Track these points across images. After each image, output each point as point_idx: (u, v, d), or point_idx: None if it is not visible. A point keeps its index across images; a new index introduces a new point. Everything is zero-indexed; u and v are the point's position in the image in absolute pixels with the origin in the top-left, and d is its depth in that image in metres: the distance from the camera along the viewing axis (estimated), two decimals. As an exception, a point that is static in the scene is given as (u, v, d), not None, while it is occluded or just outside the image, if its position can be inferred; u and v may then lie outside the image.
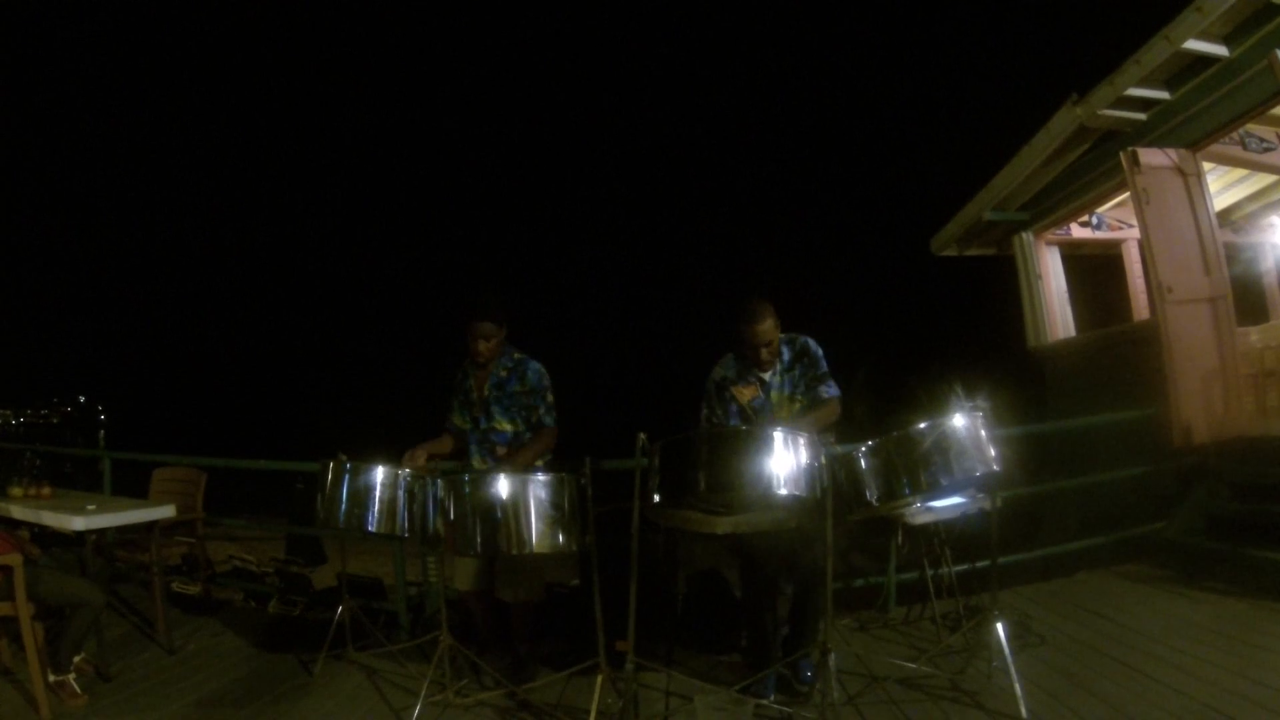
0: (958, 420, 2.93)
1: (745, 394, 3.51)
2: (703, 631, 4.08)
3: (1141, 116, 6.42)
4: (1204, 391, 5.53)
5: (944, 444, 2.88)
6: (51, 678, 3.51)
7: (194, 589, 5.44)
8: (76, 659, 3.63)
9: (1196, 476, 5.30)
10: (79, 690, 3.54)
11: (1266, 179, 7.32)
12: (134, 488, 5.82)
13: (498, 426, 3.75)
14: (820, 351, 3.56)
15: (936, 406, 3.12)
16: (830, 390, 3.51)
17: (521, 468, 3.43)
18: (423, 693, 3.32)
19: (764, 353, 3.43)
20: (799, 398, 3.51)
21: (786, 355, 3.54)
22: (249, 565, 7.49)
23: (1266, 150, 6.35)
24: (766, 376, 3.51)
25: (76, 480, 5.96)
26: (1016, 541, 5.15)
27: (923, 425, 2.93)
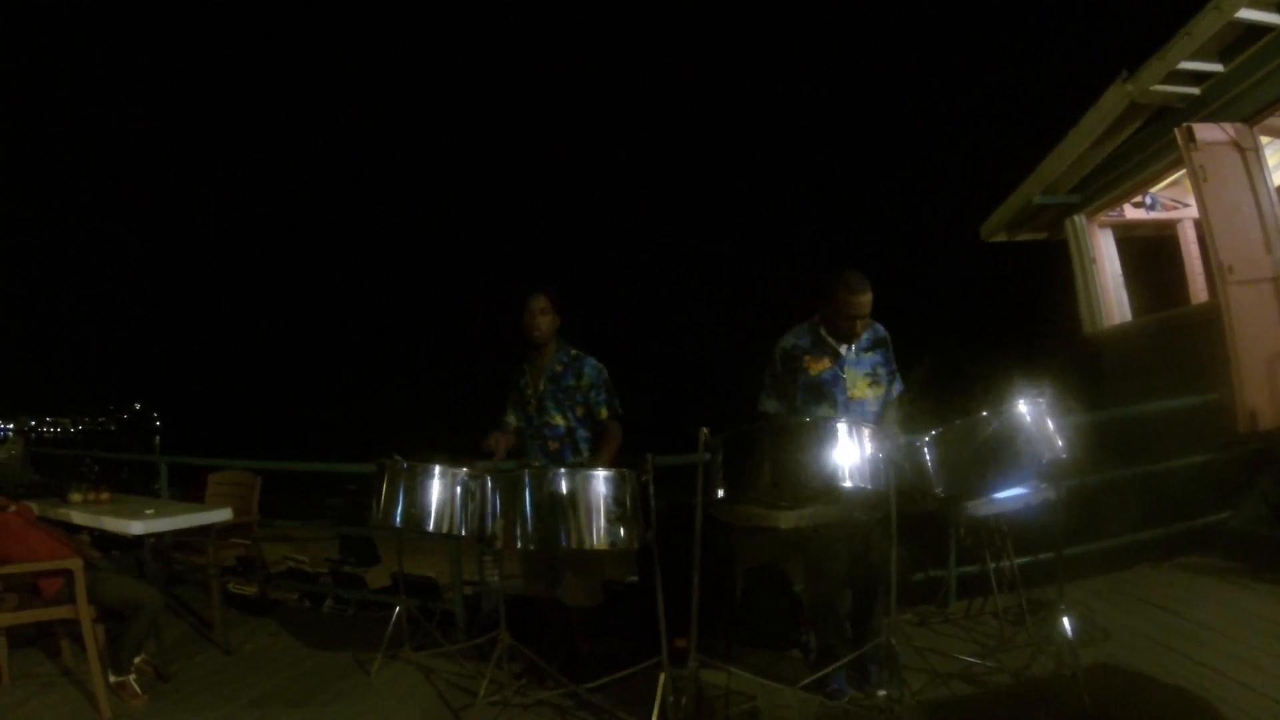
0: (1022, 408, 2.85)
1: (817, 365, 3.43)
2: (761, 628, 4.03)
3: (1195, 91, 6.19)
4: (1269, 375, 5.33)
5: (1009, 433, 2.82)
6: (112, 678, 3.56)
7: (250, 590, 5.51)
8: (136, 660, 3.68)
9: (1262, 464, 5.11)
10: (139, 690, 3.58)
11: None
12: (189, 491, 5.92)
13: (550, 421, 3.74)
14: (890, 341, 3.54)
15: (995, 395, 3.03)
16: (900, 386, 3.52)
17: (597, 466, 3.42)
18: (482, 692, 3.33)
19: (859, 324, 3.37)
20: (877, 383, 3.46)
21: (866, 338, 3.48)
22: (302, 566, 7.61)
23: (1326, 122, 6.13)
24: (842, 351, 3.44)
25: (133, 485, 6.08)
26: (1075, 533, 5.02)
27: (987, 414, 2.86)
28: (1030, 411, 2.86)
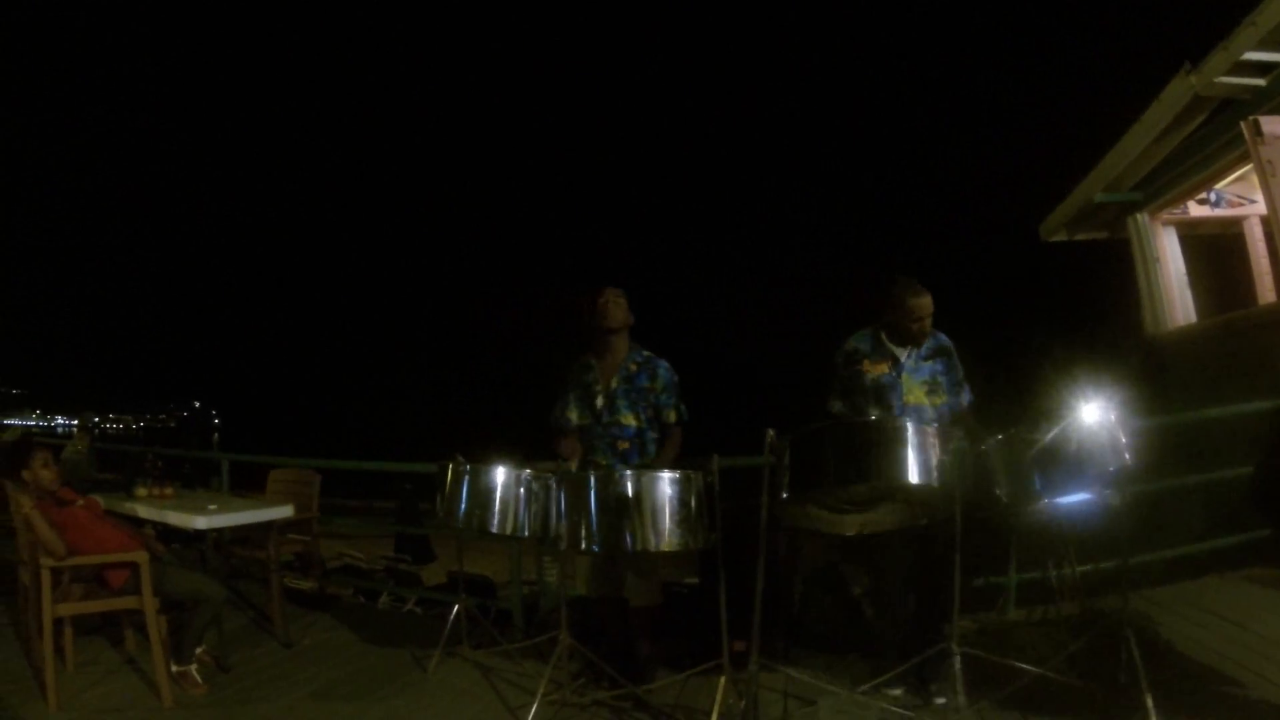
0: (1089, 412, 2.78)
1: (876, 369, 3.48)
2: (819, 631, 4.00)
3: (1261, 82, 5.97)
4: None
5: (1075, 438, 2.75)
6: (174, 668, 3.65)
7: (306, 584, 5.61)
8: (198, 650, 3.77)
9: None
10: (200, 680, 3.67)
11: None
12: (247, 487, 6.06)
13: (622, 420, 3.72)
14: (955, 352, 3.54)
15: (1059, 398, 2.97)
16: (966, 397, 3.51)
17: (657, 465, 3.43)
18: (540, 691, 3.33)
19: (919, 326, 3.40)
20: (938, 392, 3.46)
21: (927, 346, 3.50)
22: (358, 562, 7.74)
23: (1394, 111, 5.88)
24: (901, 356, 3.47)
25: (192, 481, 6.23)
26: (1137, 542, 4.89)
27: (1053, 418, 2.80)
28: (1097, 417, 2.80)
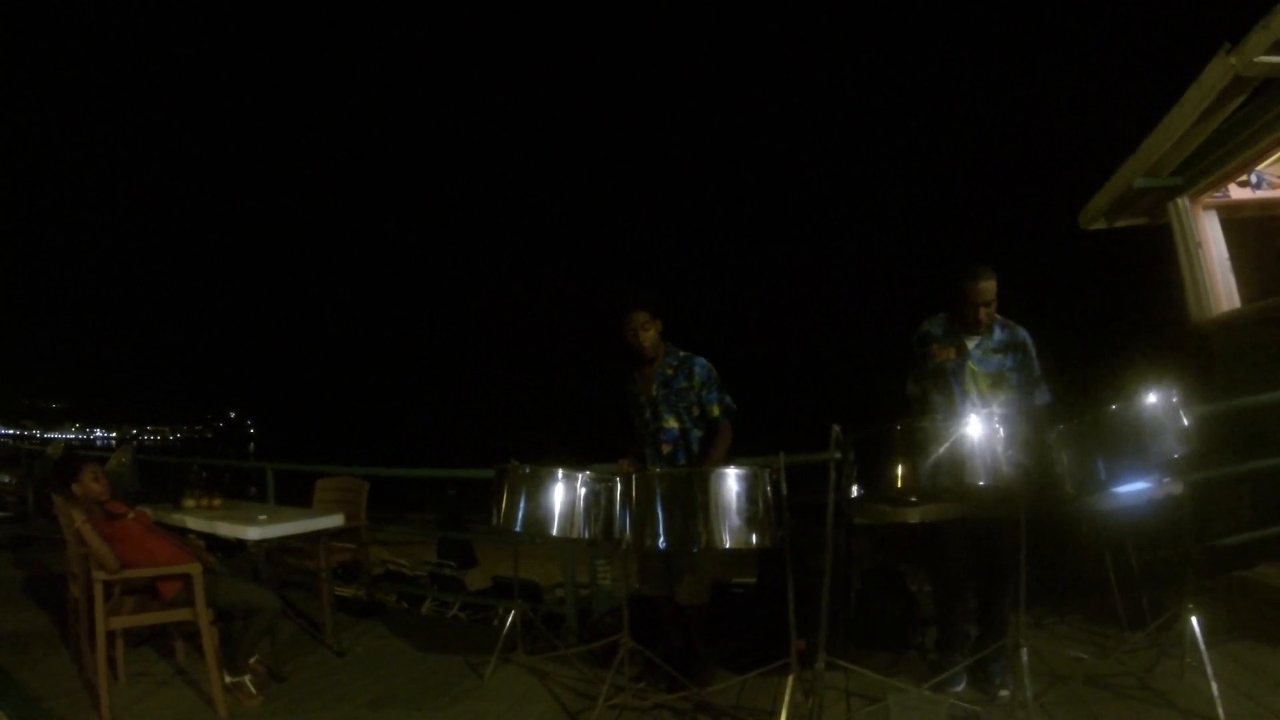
0: (1151, 399, 2.74)
1: (943, 353, 3.46)
2: (877, 628, 3.98)
3: (1302, 59, 5.87)
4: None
5: (1140, 424, 2.72)
6: (228, 679, 3.66)
7: (354, 592, 5.64)
8: (250, 660, 3.78)
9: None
10: (254, 690, 3.68)
11: None
12: (288, 496, 6.11)
13: (665, 425, 3.73)
14: (1035, 352, 3.47)
15: (1119, 386, 2.93)
16: (1042, 397, 3.44)
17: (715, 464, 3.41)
18: (603, 695, 3.33)
19: (981, 312, 3.36)
20: (1008, 388, 3.41)
21: (999, 335, 3.45)
22: (402, 569, 7.79)
23: None
24: (970, 345, 3.43)
25: (234, 491, 6.31)
26: (1191, 530, 4.80)
27: (1116, 407, 2.76)
28: (1159, 404, 2.76)
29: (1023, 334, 3.48)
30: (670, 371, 3.76)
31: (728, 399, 3.74)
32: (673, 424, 3.73)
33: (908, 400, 3.59)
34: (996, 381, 3.41)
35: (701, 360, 3.76)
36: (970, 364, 3.41)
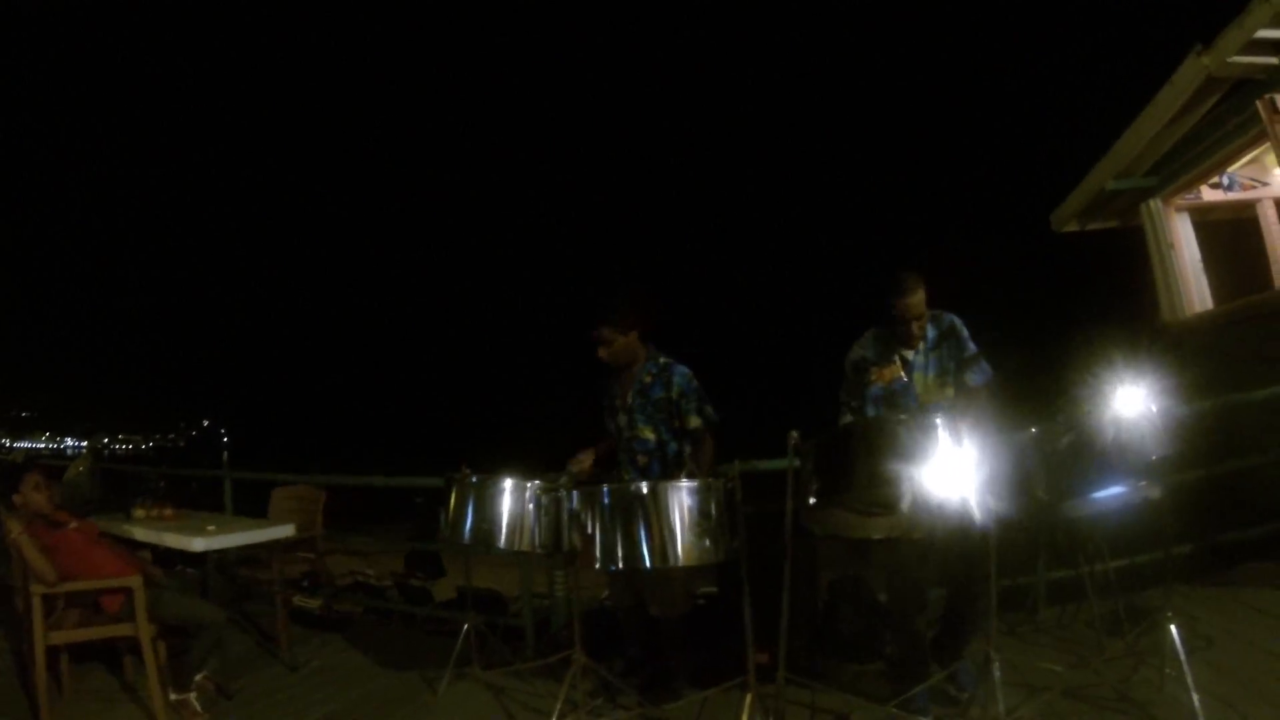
0: (1128, 399, 2.65)
1: (886, 374, 3.29)
2: (846, 639, 3.84)
3: (1274, 60, 5.82)
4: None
5: (1116, 428, 2.63)
6: (173, 696, 3.56)
7: (316, 604, 5.50)
8: (198, 677, 3.65)
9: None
10: (199, 709, 3.57)
11: None
12: (257, 507, 5.94)
13: (640, 434, 3.60)
14: (966, 330, 3.31)
15: (1093, 389, 2.83)
16: (981, 376, 3.27)
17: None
18: (555, 713, 3.21)
19: (914, 327, 3.21)
20: (948, 381, 3.27)
21: (932, 333, 3.30)
22: (368, 579, 7.59)
23: None
24: (910, 356, 3.29)
25: (202, 501, 6.14)
26: (1161, 534, 4.75)
27: (1090, 409, 2.66)
28: (1135, 405, 2.66)
29: (949, 318, 3.34)
30: (648, 379, 3.62)
31: (709, 409, 3.59)
32: (649, 434, 3.59)
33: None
34: (943, 379, 3.28)
35: (682, 369, 3.61)
36: (918, 374, 3.27)
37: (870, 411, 3.28)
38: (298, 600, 5.55)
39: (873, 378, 3.30)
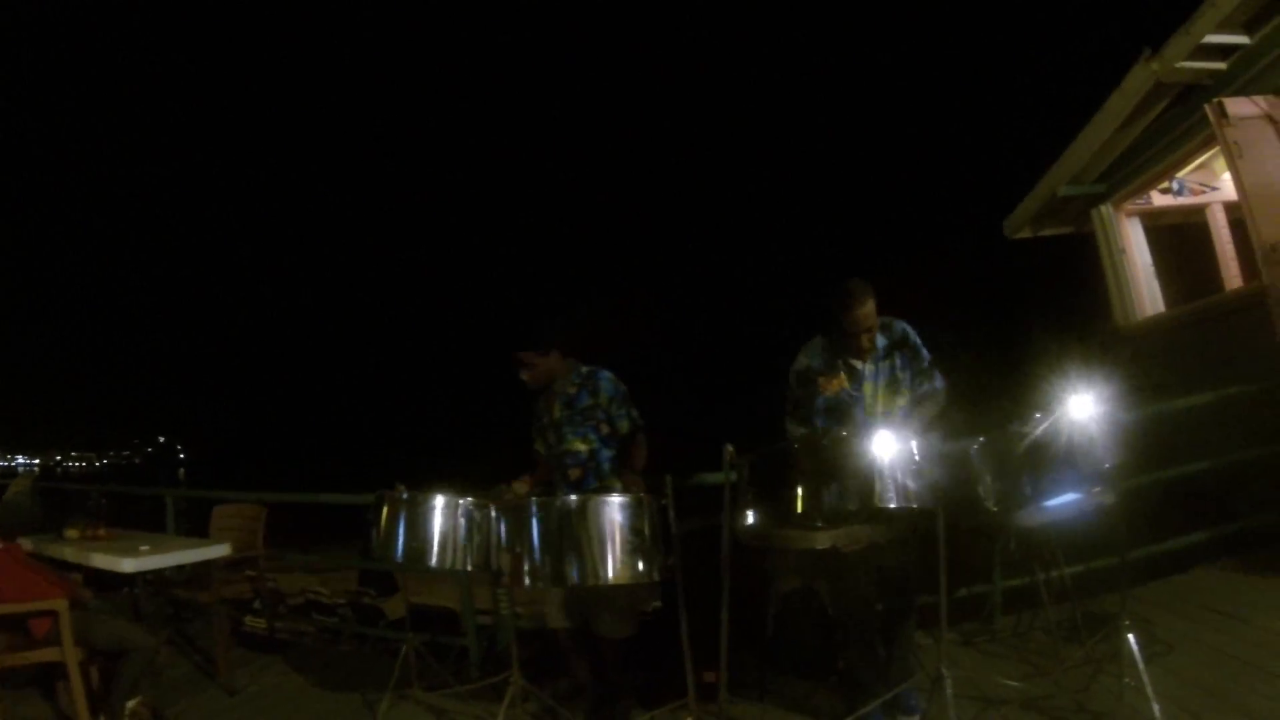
0: (1080, 407, 2.59)
1: (833, 385, 3.16)
2: (797, 655, 3.74)
3: (1221, 66, 5.93)
4: (1322, 358, 5.03)
5: (1068, 435, 2.57)
6: None
7: (262, 625, 5.32)
8: (131, 703, 3.51)
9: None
10: (132, 736, 3.41)
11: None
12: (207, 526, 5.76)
13: (570, 448, 3.47)
14: (919, 339, 3.22)
15: (1044, 395, 2.78)
16: (934, 385, 3.19)
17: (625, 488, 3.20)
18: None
19: (864, 339, 3.08)
20: (902, 390, 3.17)
21: (882, 342, 3.18)
22: (321, 597, 7.39)
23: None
24: (859, 365, 3.16)
25: (151, 520, 5.96)
26: (1115, 539, 4.75)
27: (1041, 415, 2.60)
28: (1087, 411, 2.61)
29: (900, 326, 3.23)
30: (572, 390, 3.51)
31: (635, 413, 3.51)
32: (579, 446, 3.47)
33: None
34: (893, 390, 3.17)
35: (606, 374, 3.53)
36: (868, 384, 3.16)
37: (819, 423, 3.17)
38: (249, 621, 5.39)
39: (819, 388, 3.19)
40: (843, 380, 3.16)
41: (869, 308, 3.04)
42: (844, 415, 3.14)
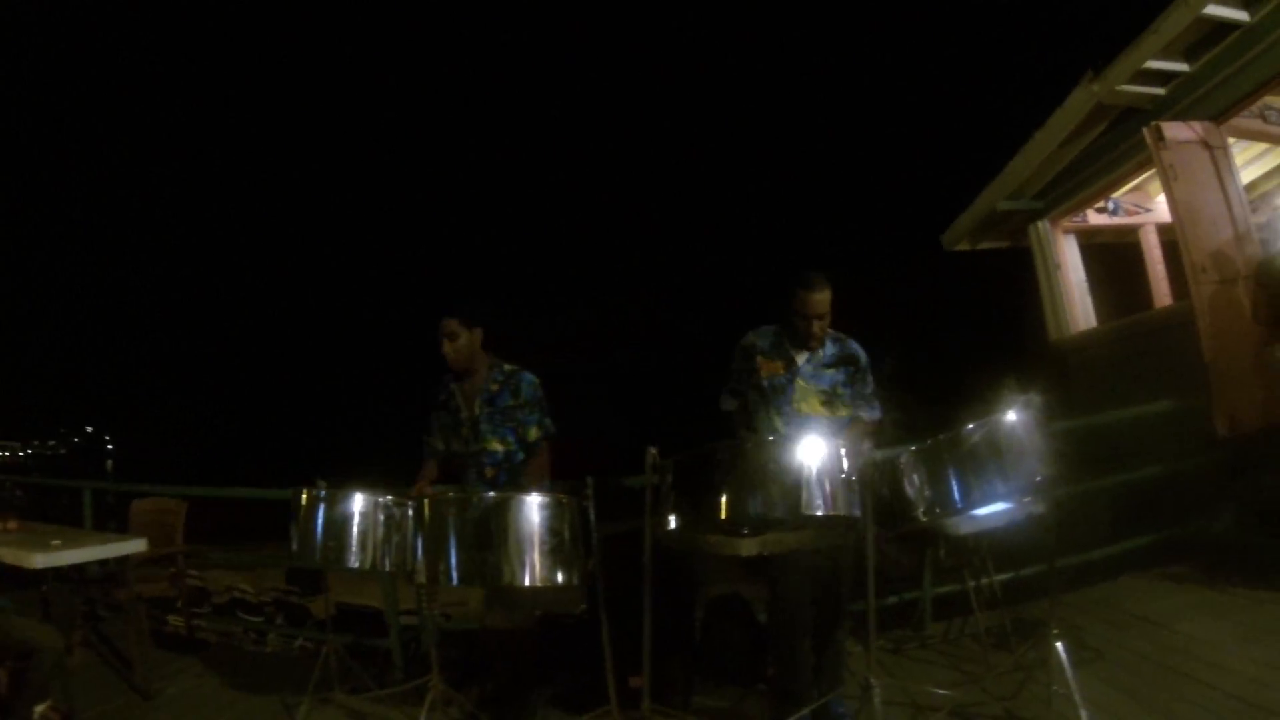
0: (1012, 417, 2.60)
1: (769, 368, 3.19)
2: (724, 661, 3.70)
3: (1160, 91, 6.12)
4: (1245, 376, 5.19)
5: (999, 445, 2.56)
6: None
7: (181, 624, 5.13)
8: (40, 708, 3.29)
9: (1241, 469, 4.95)
10: (42, 741, 3.22)
11: (1284, 154, 7.04)
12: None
13: (487, 447, 3.39)
14: (869, 366, 3.26)
15: (976, 405, 2.80)
16: (871, 413, 3.23)
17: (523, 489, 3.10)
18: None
19: (815, 325, 3.11)
20: (839, 406, 3.18)
21: (831, 349, 3.22)
22: (246, 596, 7.18)
23: (1289, 123, 6.11)
24: (800, 360, 3.18)
25: (72, 514, 5.71)
26: (1045, 547, 4.84)
27: (973, 425, 2.60)
28: (1020, 422, 2.62)
29: (855, 347, 3.27)
30: (495, 387, 3.44)
31: (547, 421, 3.46)
32: (497, 446, 3.40)
33: (725, 416, 3.34)
34: (829, 400, 3.19)
35: (529, 376, 3.47)
36: (800, 380, 3.17)
37: (751, 398, 3.21)
38: (172, 620, 5.19)
39: (759, 366, 3.21)
40: (779, 367, 3.18)
41: (825, 295, 3.10)
42: (770, 401, 3.17)
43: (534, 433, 3.41)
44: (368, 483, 3.22)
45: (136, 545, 4.02)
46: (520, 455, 3.41)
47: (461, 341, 3.39)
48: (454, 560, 2.71)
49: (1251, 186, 7.48)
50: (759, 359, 3.22)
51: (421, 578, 2.85)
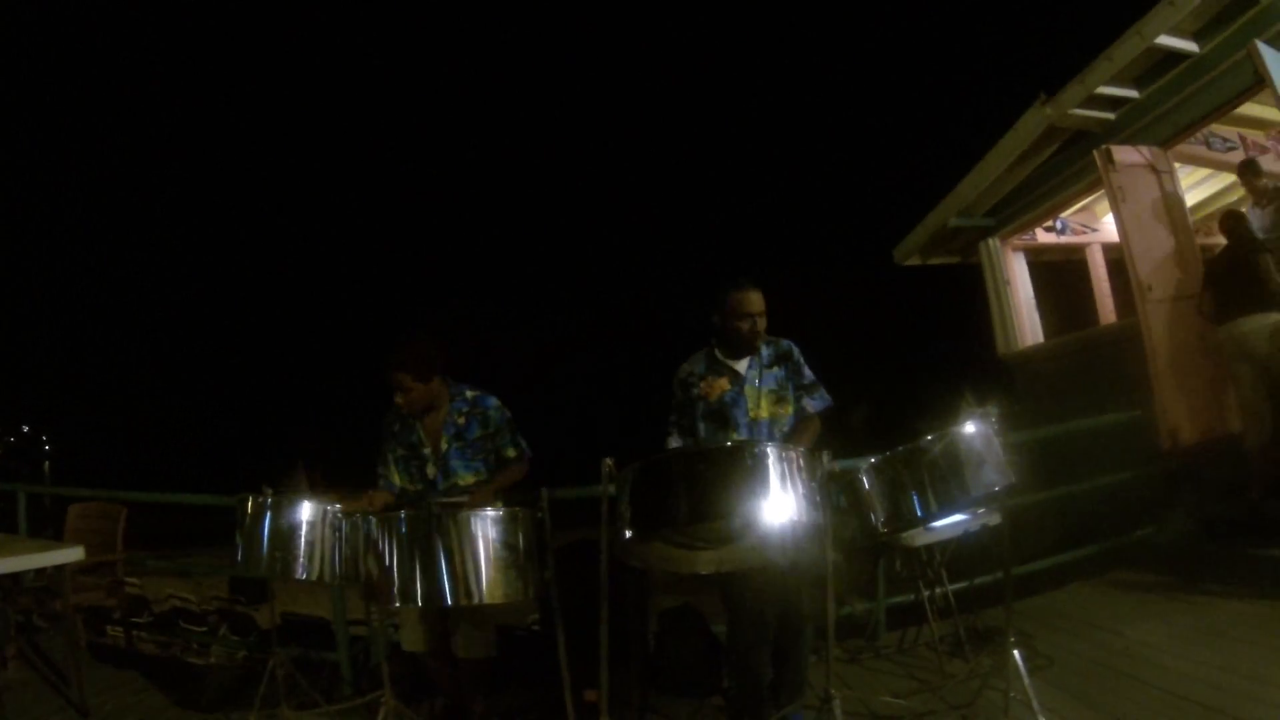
0: (971, 429, 2.62)
1: (716, 387, 3.12)
2: (680, 673, 3.68)
3: (1110, 116, 6.33)
4: (1188, 391, 5.36)
5: (958, 456, 2.58)
6: None
7: (121, 635, 4.96)
8: None
9: (1185, 478, 5.11)
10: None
11: (1227, 179, 7.30)
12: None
13: (459, 483, 3.24)
14: (803, 358, 3.23)
15: (935, 418, 2.82)
16: (818, 403, 3.20)
17: (479, 502, 3.02)
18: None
19: (747, 324, 3.07)
20: (787, 401, 3.16)
21: (767, 352, 3.19)
22: (189, 605, 6.96)
23: (1230, 150, 6.38)
24: (741, 369, 3.15)
25: (7, 520, 5.48)
26: (998, 557, 4.92)
27: (932, 436, 2.61)
28: (981, 432, 2.65)
29: (786, 343, 3.25)
30: (461, 420, 3.29)
31: (522, 443, 3.35)
32: (470, 480, 3.26)
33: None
34: (779, 399, 3.16)
35: (493, 401, 3.34)
36: (749, 387, 3.13)
37: (701, 429, 3.14)
38: (110, 631, 5.01)
39: (700, 391, 3.16)
40: (724, 383, 3.14)
41: (758, 294, 3.09)
42: (726, 420, 3.11)
43: (511, 452, 3.31)
44: (321, 478, 3.12)
45: (74, 554, 3.82)
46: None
47: (416, 394, 3.21)
48: (408, 579, 2.62)
49: (1196, 209, 7.75)
50: (700, 385, 3.16)
51: (373, 594, 2.75)
